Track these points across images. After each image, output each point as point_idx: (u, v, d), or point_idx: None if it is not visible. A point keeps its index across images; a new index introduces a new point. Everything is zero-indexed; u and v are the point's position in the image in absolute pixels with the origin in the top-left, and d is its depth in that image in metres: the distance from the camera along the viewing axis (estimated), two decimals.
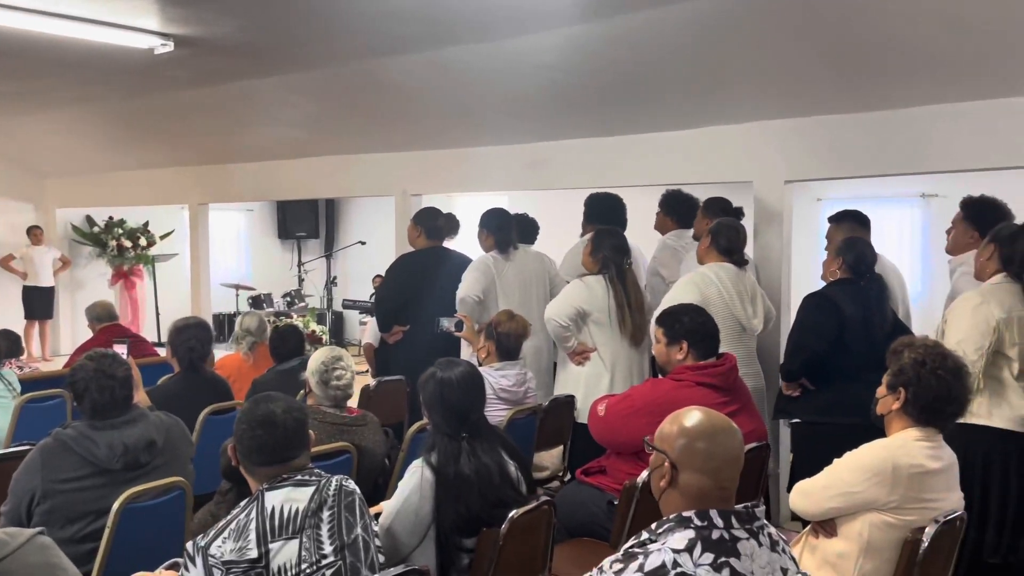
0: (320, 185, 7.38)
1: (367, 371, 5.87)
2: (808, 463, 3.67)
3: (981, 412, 3.22)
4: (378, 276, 8.61)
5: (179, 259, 9.91)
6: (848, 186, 7.30)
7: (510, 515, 2.55)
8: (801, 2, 3.65)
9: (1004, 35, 3.50)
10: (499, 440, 2.75)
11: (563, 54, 4.50)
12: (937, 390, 2.48)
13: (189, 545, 2.12)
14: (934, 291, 7.00)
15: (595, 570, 1.87)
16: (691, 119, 4.85)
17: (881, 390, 2.62)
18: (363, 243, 10.61)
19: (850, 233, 4.43)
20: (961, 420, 3.18)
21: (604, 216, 4.97)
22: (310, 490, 2.18)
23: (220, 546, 2.08)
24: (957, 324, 3.29)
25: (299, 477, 2.19)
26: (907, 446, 2.48)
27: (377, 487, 3.44)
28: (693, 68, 4.37)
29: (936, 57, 3.77)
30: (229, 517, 2.16)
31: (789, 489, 3.73)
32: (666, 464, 1.90)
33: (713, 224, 4.19)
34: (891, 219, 7.65)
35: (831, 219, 4.52)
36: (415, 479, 2.59)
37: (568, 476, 4.32)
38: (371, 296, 9.42)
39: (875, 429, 2.67)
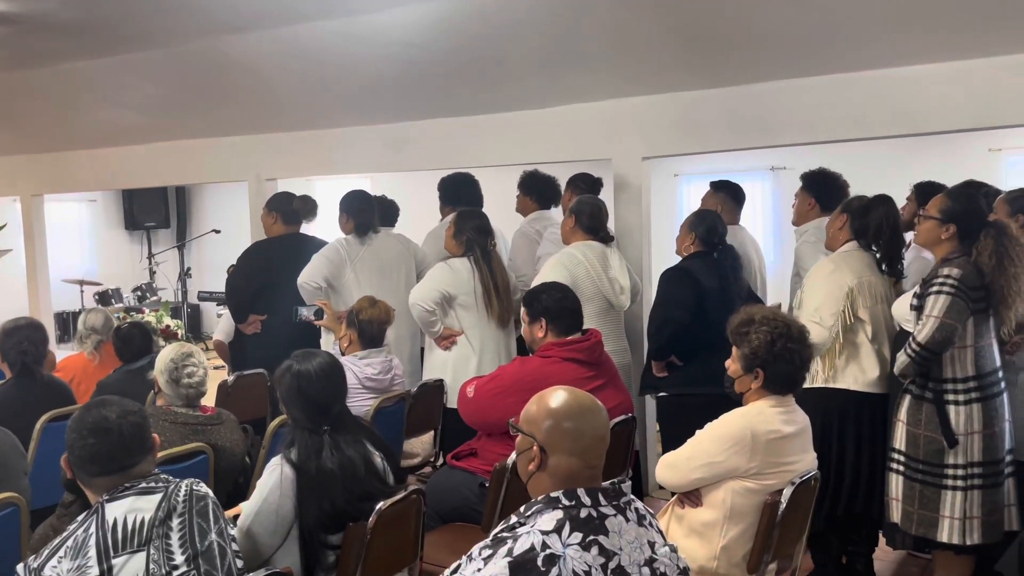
0: (168, 172, 6.97)
1: (223, 367, 5.63)
2: (676, 435, 3.75)
3: (838, 376, 3.35)
4: (233, 266, 8.26)
5: (13, 255, 9.19)
6: (703, 161, 7.52)
7: (377, 507, 2.47)
8: None
9: (842, 13, 3.64)
10: (363, 431, 2.66)
11: (419, 31, 4.39)
12: (791, 363, 2.56)
13: (20, 567, 1.94)
14: (785, 259, 7.30)
15: (464, 558, 1.82)
16: (549, 98, 4.84)
17: (734, 368, 2.65)
18: (217, 231, 10.16)
19: (723, 203, 4.57)
20: (821, 384, 3.32)
21: (459, 196, 4.92)
22: (157, 497, 2.02)
23: (55, 566, 1.91)
24: (813, 291, 3.43)
25: (143, 485, 2.03)
26: (763, 413, 2.55)
27: (238, 486, 3.28)
28: (550, 46, 4.35)
29: (780, 34, 3.88)
30: (65, 534, 1.98)
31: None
32: (535, 448, 1.87)
33: (574, 203, 4.20)
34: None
35: (712, 185, 4.71)
36: (274, 477, 2.46)
37: (440, 461, 4.26)
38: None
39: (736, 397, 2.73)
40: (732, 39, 4.00)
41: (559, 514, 1.76)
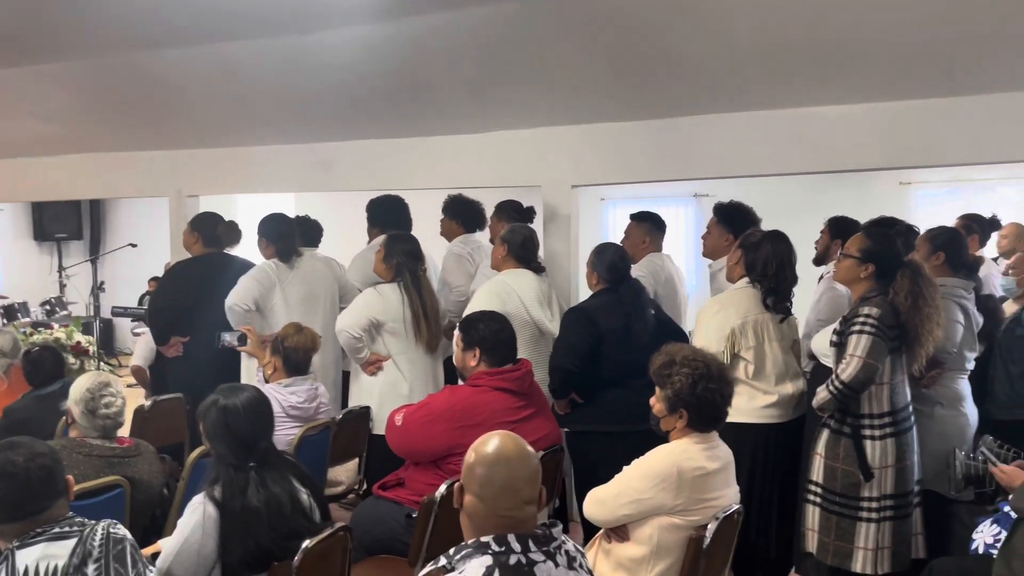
0: (83, 185, 6.72)
1: (135, 384, 5.48)
2: (581, 469, 3.80)
3: None
4: (154, 279, 8.01)
5: None
6: (629, 187, 7.63)
7: (303, 546, 2.43)
8: (584, 14, 3.73)
9: (763, 54, 3.75)
10: (290, 467, 2.61)
11: (349, 54, 4.35)
12: (714, 402, 2.62)
13: None
14: (706, 285, 7.46)
15: None
16: (480, 123, 4.85)
17: (659, 408, 2.68)
18: (134, 245, 9.84)
19: (649, 233, 4.61)
20: None
21: (388, 219, 4.89)
22: (71, 543, 1.95)
23: None
24: (700, 331, 3.51)
25: (56, 529, 1.95)
26: (688, 451, 2.60)
27: (155, 519, 3.18)
28: (481, 73, 4.37)
29: (705, 71, 3.98)
30: None
31: (576, 490, 3.82)
32: (458, 483, 1.90)
33: (505, 232, 4.21)
34: (667, 217, 8.05)
35: (633, 217, 4.72)
36: (196, 516, 2.40)
37: (365, 487, 4.21)
38: (141, 296, 8.77)
39: (642, 433, 2.79)
40: (659, 73, 4.08)
41: (488, 560, 1.77)
